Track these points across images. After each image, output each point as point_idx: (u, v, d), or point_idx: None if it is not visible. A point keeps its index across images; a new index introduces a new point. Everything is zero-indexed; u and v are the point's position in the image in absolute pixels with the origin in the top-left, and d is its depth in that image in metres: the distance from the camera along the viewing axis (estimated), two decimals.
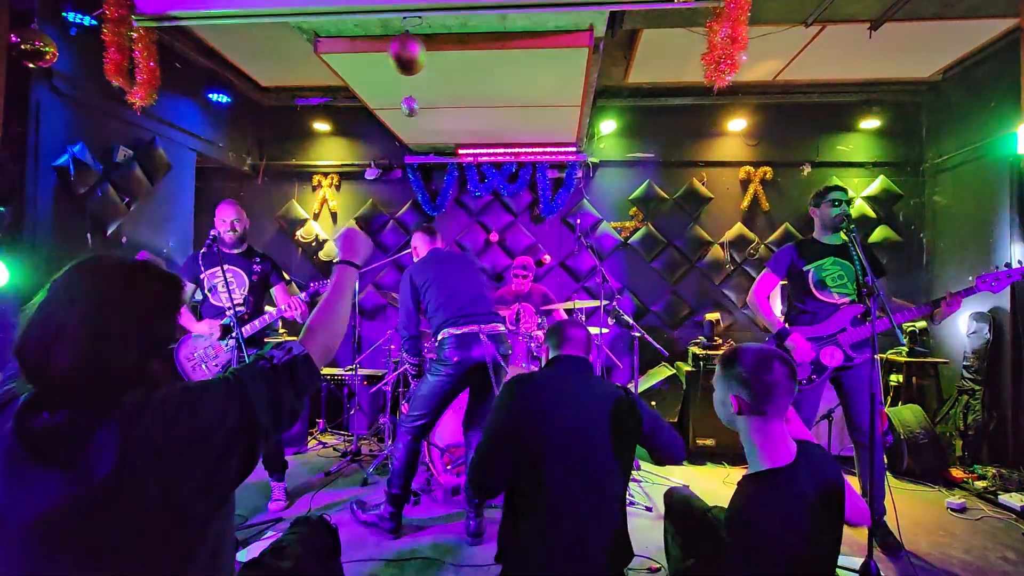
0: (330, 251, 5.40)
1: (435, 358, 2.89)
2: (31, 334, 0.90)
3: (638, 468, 3.80)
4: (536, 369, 1.95)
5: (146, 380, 0.96)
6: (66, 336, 0.89)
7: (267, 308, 3.27)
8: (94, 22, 2.94)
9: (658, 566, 2.51)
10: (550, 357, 1.94)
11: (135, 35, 2.84)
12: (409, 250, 3.35)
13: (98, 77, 3.01)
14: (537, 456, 1.67)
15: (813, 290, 2.82)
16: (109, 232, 3.69)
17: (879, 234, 4.90)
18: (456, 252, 3.14)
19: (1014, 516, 3.15)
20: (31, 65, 2.64)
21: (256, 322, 3.07)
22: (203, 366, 3.11)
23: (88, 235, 3.53)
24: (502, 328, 2.95)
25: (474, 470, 1.75)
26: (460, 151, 5.17)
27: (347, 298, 1.32)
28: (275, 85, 5.06)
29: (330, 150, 5.51)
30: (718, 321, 4.65)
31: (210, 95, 4.51)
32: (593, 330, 3.80)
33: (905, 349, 4.30)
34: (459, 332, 2.82)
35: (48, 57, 2.62)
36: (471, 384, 2.92)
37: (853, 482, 2.94)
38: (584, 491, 1.66)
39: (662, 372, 4.49)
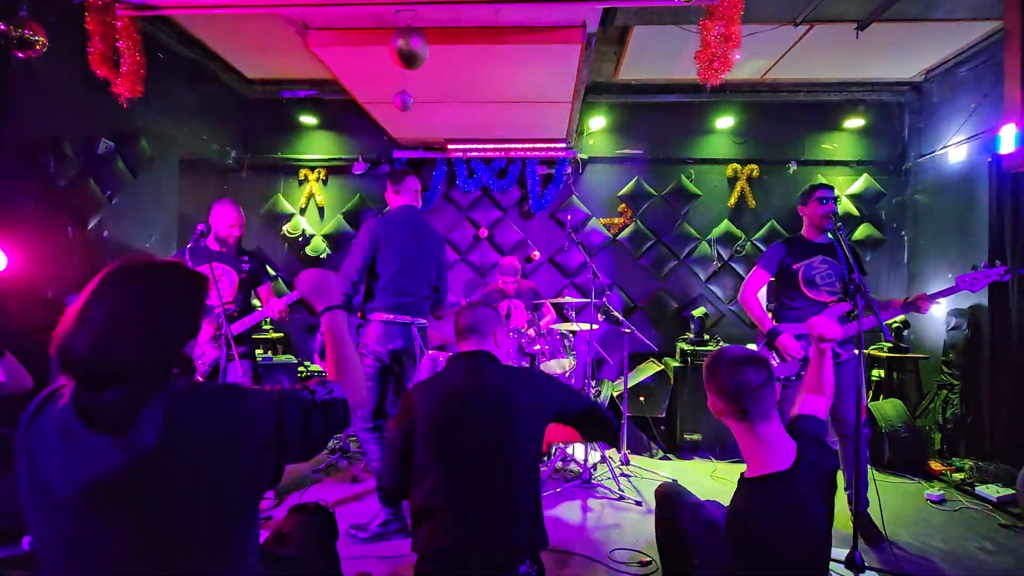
0: (317, 246, 5.35)
1: (359, 343, 2.80)
2: (76, 325, 0.97)
3: (626, 463, 3.83)
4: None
5: (185, 363, 1.06)
6: (109, 325, 0.97)
7: (255, 304, 3.23)
8: None
9: (648, 559, 2.54)
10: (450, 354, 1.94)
11: (119, 24, 2.76)
12: None
13: (79, 67, 2.93)
14: (425, 465, 1.68)
15: (803, 288, 2.87)
16: (90, 226, 3.60)
17: (862, 232, 5.00)
18: (425, 228, 2.94)
19: (990, 507, 3.24)
20: (21, 55, 2.56)
21: (246, 320, 3.04)
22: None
23: (69, 228, 3.44)
24: (425, 322, 2.95)
25: (378, 479, 1.82)
26: (449, 146, 5.14)
27: (349, 345, 1.29)
28: (261, 78, 4.97)
29: (317, 144, 5.44)
30: (705, 317, 4.70)
31: (194, 87, 4.42)
32: (583, 326, 3.83)
33: (887, 345, 4.39)
34: (387, 320, 2.77)
35: (38, 47, 2.54)
36: (393, 373, 2.87)
37: (837, 475, 3.01)
38: (475, 494, 1.65)
39: (650, 368, 4.53)
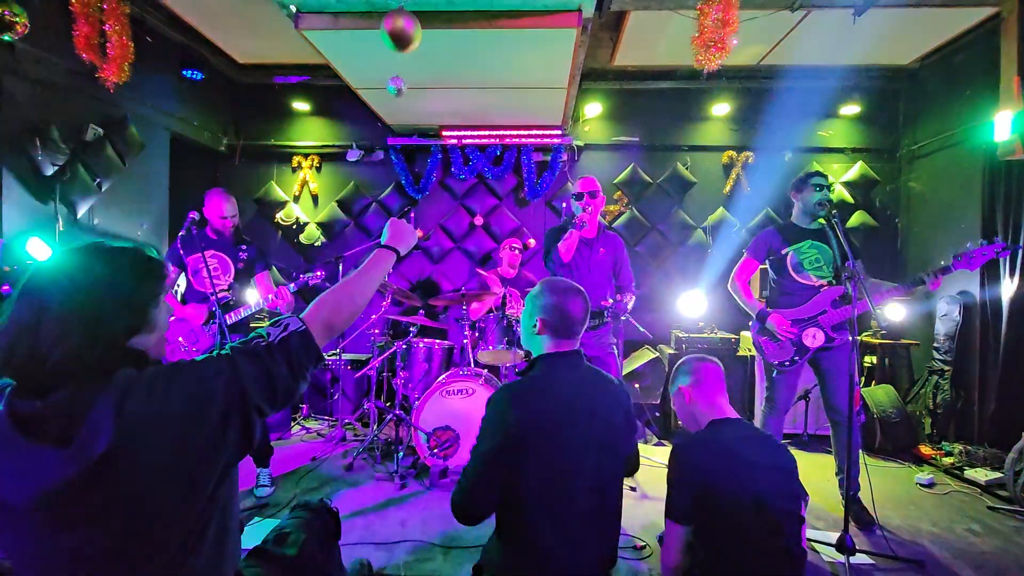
0: (311, 234, 5.31)
1: None
2: (11, 324, 0.90)
3: None
4: (519, 376, 1.65)
5: (135, 358, 0.96)
6: (45, 322, 0.89)
7: (251, 295, 3.21)
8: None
9: (643, 543, 2.57)
10: (542, 351, 1.60)
11: (105, 7, 2.70)
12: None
13: (66, 52, 2.87)
14: (543, 478, 1.46)
15: (792, 272, 2.88)
16: (80, 213, 3.56)
17: (856, 219, 5.01)
18: None
19: (979, 490, 3.30)
20: (4, 37, 2.50)
21: (241, 309, 3.02)
22: (183, 351, 3.05)
23: (58, 217, 3.40)
24: None
25: (460, 495, 1.48)
26: (444, 133, 5.10)
27: (370, 278, 1.28)
28: (252, 62, 4.90)
29: (310, 130, 5.38)
30: (700, 304, 4.71)
31: (184, 72, 4.35)
32: None
33: (880, 331, 4.42)
34: None
35: (19, 28, 2.48)
36: None
37: (829, 460, 3.05)
38: (592, 504, 1.50)
39: (646, 355, 4.56)
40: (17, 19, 2.48)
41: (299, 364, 1.06)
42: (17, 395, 0.89)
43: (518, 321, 3.82)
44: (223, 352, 1.01)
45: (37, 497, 0.84)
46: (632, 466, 1.77)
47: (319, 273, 3.21)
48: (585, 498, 1.47)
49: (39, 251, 2.76)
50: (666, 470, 1.67)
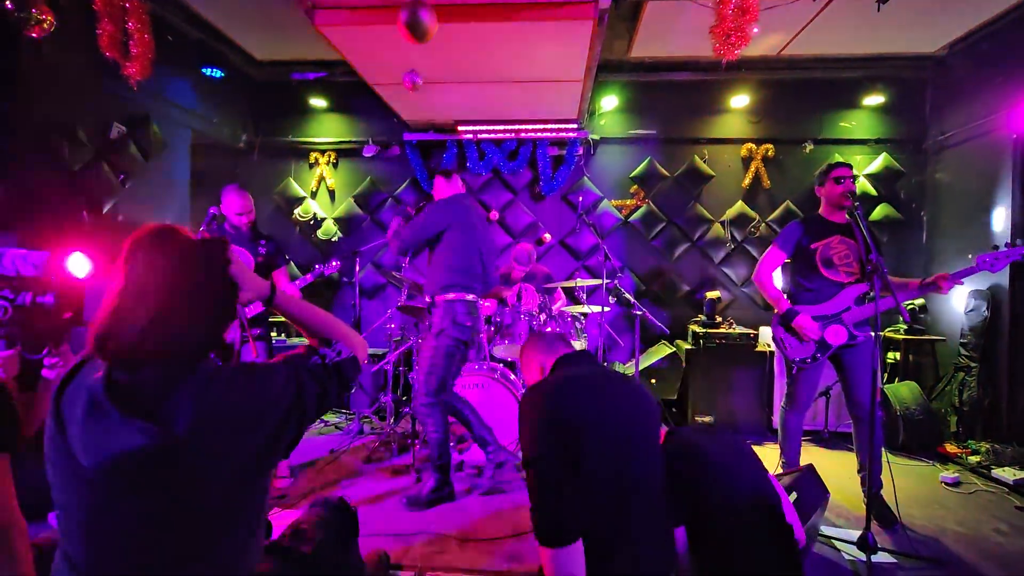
0: (328, 230, 5.36)
1: (447, 322, 2.89)
2: (122, 320, 0.96)
3: None
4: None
5: (221, 348, 1.09)
6: (163, 318, 0.97)
7: None
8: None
9: None
10: (552, 362, 1.67)
11: (128, 5, 2.75)
12: None
13: (89, 50, 2.93)
14: (596, 467, 1.39)
15: (820, 268, 2.82)
16: (105, 210, 3.64)
17: (880, 212, 4.90)
18: (480, 212, 3.19)
19: (1007, 489, 3.21)
20: (34, 36, 2.56)
21: (260, 303, 3.06)
22: None
23: (84, 213, 3.48)
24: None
25: (544, 518, 1.37)
26: (459, 128, 5.09)
27: (319, 309, 1.29)
28: (270, 59, 4.94)
29: (327, 126, 5.42)
30: (718, 299, 4.66)
31: (204, 69, 4.41)
32: (594, 308, 3.82)
33: (903, 327, 4.33)
34: (469, 299, 2.93)
35: (46, 26, 2.54)
36: (465, 348, 3.02)
37: (850, 457, 3.00)
38: (637, 485, 1.46)
39: (662, 350, 4.52)
40: (44, 18, 2.53)
41: (348, 382, 1.21)
42: (114, 367, 0.98)
43: (532, 316, 3.82)
44: (290, 364, 1.12)
45: (106, 461, 0.92)
46: None
47: (335, 263, 3.27)
48: (640, 500, 1.43)
49: (80, 267, 2.83)
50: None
